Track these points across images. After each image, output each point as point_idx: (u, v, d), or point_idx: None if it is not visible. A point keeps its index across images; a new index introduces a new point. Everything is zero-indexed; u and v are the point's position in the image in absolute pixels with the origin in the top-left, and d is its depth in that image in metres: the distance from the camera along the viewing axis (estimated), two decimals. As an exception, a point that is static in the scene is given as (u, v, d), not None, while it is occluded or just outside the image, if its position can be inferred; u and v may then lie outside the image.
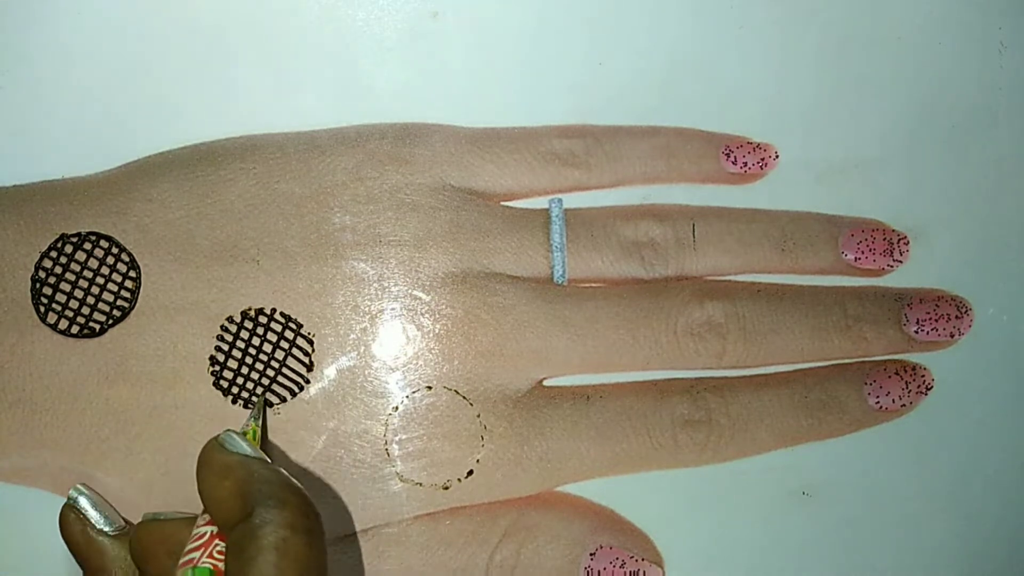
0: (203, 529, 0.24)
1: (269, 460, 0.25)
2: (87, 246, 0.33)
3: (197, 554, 0.23)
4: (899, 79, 0.36)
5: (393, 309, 0.34)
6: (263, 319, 0.33)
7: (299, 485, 0.24)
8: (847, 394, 0.35)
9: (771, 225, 0.36)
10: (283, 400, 0.33)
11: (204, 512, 0.25)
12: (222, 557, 0.23)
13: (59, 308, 0.33)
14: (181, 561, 0.23)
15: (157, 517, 0.27)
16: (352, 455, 0.33)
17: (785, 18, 0.36)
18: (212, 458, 0.25)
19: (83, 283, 0.33)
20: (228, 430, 0.26)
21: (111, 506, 0.29)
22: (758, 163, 0.36)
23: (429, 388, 0.34)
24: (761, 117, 0.36)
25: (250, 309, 0.33)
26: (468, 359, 0.34)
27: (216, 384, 0.33)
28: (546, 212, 0.35)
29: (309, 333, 0.34)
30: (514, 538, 0.34)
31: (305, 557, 0.22)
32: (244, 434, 0.27)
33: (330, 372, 0.34)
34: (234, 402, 0.33)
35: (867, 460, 0.36)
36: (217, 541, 0.24)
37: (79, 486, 0.29)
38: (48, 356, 0.33)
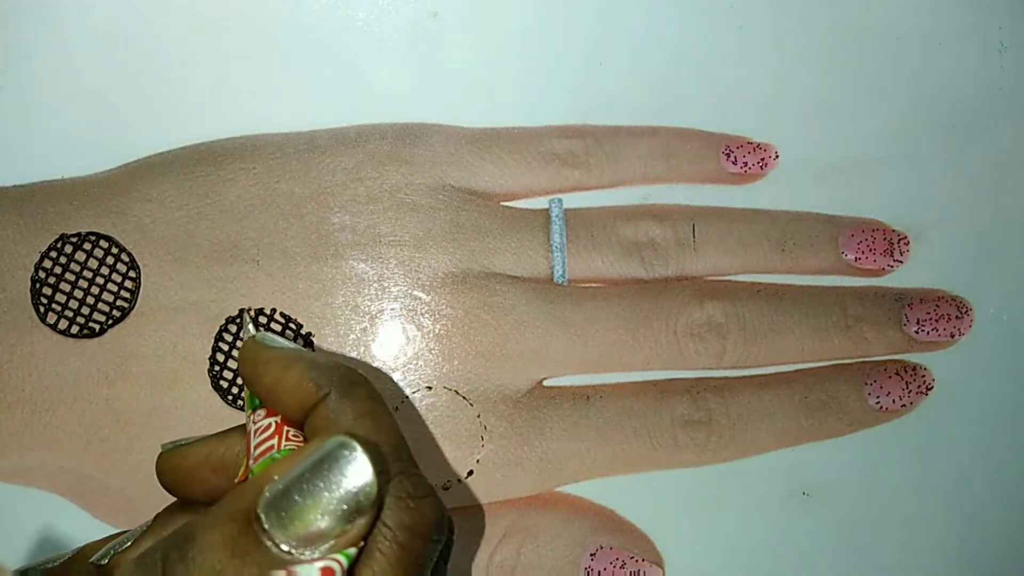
0: (264, 422, 0.24)
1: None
2: (87, 246, 0.33)
3: (273, 441, 0.23)
4: (899, 79, 0.36)
5: (393, 309, 0.34)
6: (263, 319, 0.33)
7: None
8: (847, 394, 0.35)
9: (771, 225, 0.36)
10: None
11: (254, 411, 0.24)
12: (299, 439, 0.23)
13: (59, 308, 0.33)
14: (256, 453, 0.23)
15: (179, 444, 0.26)
16: (352, 455, 0.33)
17: (785, 18, 0.36)
18: (261, 354, 0.24)
19: (83, 283, 0.33)
20: (259, 329, 0.26)
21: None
22: (758, 163, 0.36)
23: (429, 388, 0.34)
24: (761, 117, 0.36)
25: (250, 309, 0.33)
26: (468, 359, 0.34)
27: (215, 385, 0.33)
28: (546, 212, 0.35)
29: (309, 333, 0.34)
30: (514, 538, 0.34)
31: (388, 421, 0.23)
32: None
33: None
34: (233, 403, 0.33)
35: (867, 460, 0.36)
36: (287, 428, 0.24)
37: None
38: (48, 356, 0.33)
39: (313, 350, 0.33)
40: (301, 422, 0.23)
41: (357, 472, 0.19)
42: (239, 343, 0.33)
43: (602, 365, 0.35)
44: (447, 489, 0.34)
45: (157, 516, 0.25)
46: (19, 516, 0.33)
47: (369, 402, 0.23)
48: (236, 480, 0.24)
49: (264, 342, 0.25)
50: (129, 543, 0.24)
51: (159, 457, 0.26)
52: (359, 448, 0.20)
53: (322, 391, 0.23)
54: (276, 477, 0.20)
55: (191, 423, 0.33)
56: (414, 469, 0.22)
